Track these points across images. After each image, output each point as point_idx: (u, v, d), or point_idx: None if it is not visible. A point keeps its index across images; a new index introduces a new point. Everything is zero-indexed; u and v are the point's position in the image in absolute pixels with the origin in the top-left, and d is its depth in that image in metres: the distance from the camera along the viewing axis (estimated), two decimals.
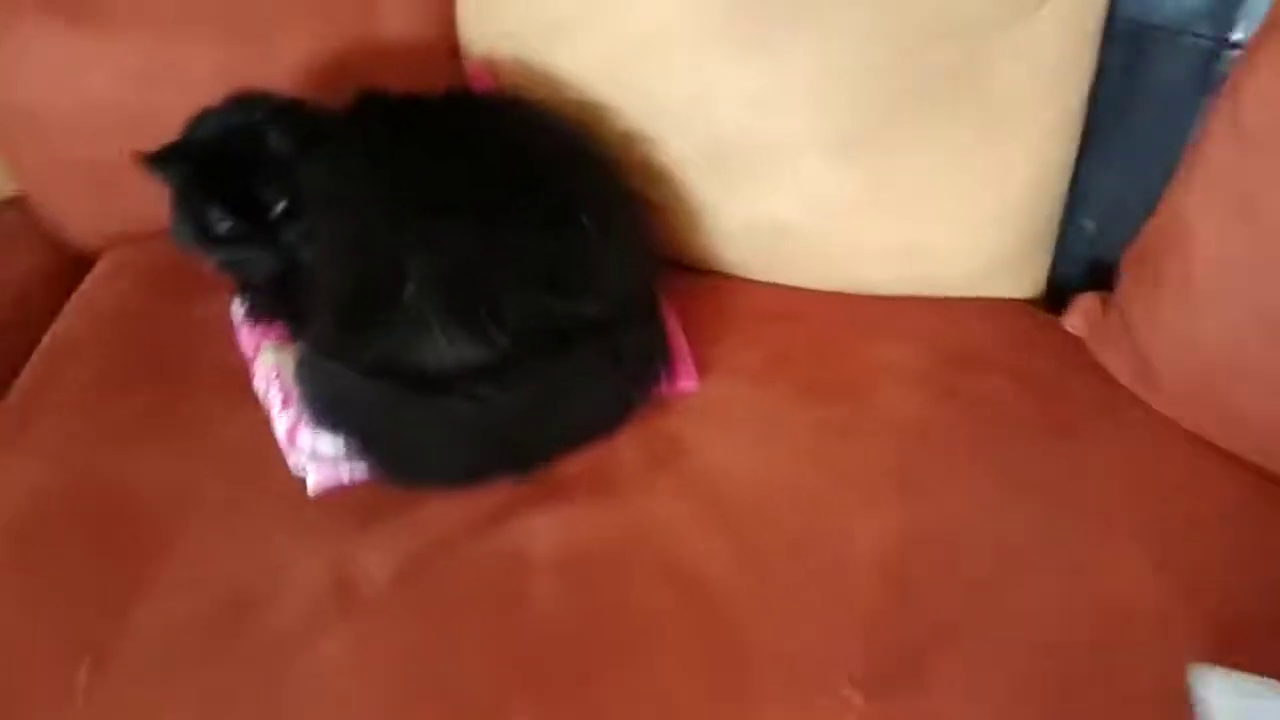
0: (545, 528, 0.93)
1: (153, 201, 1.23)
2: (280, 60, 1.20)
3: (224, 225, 1.02)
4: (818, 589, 0.86)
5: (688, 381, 1.05)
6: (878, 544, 0.89)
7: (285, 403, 1.02)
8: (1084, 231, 1.15)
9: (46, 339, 1.16)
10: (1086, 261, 1.17)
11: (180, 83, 1.17)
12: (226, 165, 1.01)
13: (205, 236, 1.03)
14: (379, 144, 1.03)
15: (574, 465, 0.97)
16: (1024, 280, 1.16)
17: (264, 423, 1.03)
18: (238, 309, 1.13)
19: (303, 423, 0.99)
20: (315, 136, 1.03)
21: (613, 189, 1.05)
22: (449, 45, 1.24)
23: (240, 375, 1.08)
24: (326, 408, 0.98)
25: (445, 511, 0.94)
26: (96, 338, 1.14)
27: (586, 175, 1.04)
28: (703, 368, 1.06)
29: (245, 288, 1.10)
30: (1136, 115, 1.10)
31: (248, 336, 1.10)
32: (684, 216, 1.13)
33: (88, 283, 1.24)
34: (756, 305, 1.14)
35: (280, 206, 1.01)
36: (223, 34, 1.19)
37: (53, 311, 1.21)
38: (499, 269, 0.98)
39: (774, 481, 0.96)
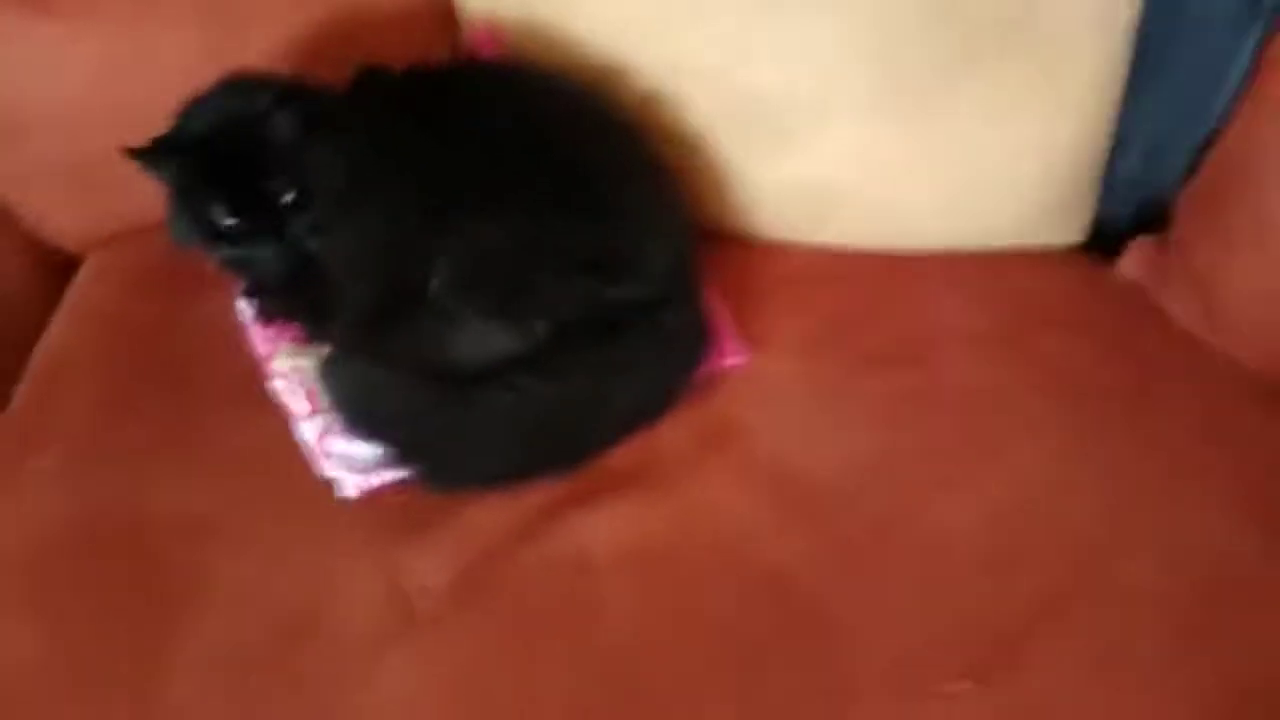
0: (603, 527, 0.86)
1: (138, 198, 1.14)
2: (264, 37, 1.10)
3: (229, 221, 0.94)
4: (909, 575, 0.81)
5: (735, 357, 0.99)
6: (965, 521, 0.84)
7: (312, 408, 0.95)
8: (1128, 172, 1.10)
9: (39, 352, 1.08)
10: (1132, 202, 1.12)
11: (160, 69, 1.08)
12: (226, 155, 0.93)
13: (209, 233, 0.95)
14: (390, 125, 0.96)
15: (623, 457, 0.91)
16: (1071, 226, 1.10)
17: (286, 430, 0.96)
18: (245, 309, 1.05)
19: (333, 428, 0.93)
20: (319, 119, 0.94)
21: (642, 158, 0.98)
22: (441, 9, 1.15)
23: (252, 380, 1.00)
24: (359, 411, 0.91)
25: (494, 515, 0.88)
26: (93, 349, 1.06)
27: (614, 145, 0.97)
28: (748, 341, 0.99)
29: (254, 286, 1.03)
30: (1178, 48, 1.04)
31: (260, 338, 1.02)
32: (712, 181, 1.06)
33: (75, 288, 1.15)
34: (796, 270, 1.07)
35: (288, 197, 0.93)
36: (202, 13, 1.10)
37: (40, 318, 1.13)
38: (533, 253, 0.91)
39: (843, 460, 0.90)
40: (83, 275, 1.17)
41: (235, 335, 1.05)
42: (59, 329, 1.10)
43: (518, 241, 0.91)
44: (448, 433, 0.91)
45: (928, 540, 0.83)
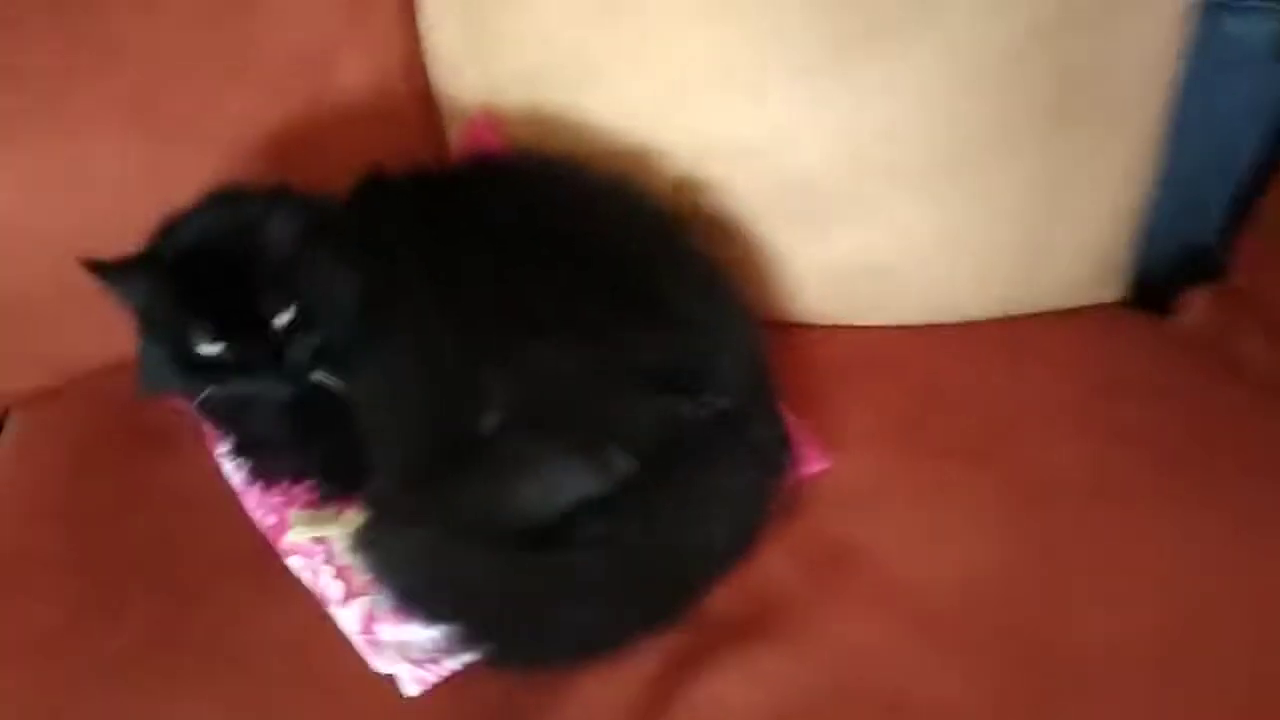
0: (735, 689, 0.73)
1: (70, 340, 0.98)
2: (219, 143, 0.94)
3: (213, 347, 0.77)
4: (1086, 700, 0.71)
5: (817, 463, 0.89)
6: (1128, 633, 0.74)
7: (347, 589, 0.79)
8: (1166, 223, 1.06)
9: None
10: (1170, 252, 1.08)
11: (98, 188, 0.91)
12: (210, 271, 0.77)
13: (189, 368, 0.78)
14: (408, 237, 0.81)
15: (728, 599, 0.80)
16: (1117, 282, 1.05)
17: (316, 617, 0.80)
18: (232, 469, 0.88)
19: (380, 611, 0.77)
20: (319, 230, 0.80)
21: (693, 253, 0.87)
22: (423, 100, 1.02)
23: (258, 560, 0.83)
24: (412, 587, 0.76)
25: (598, 696, 0.74)
26: (43, 544, 0.86)
27: (661, 241, 0.86)
28: (821, 442, 0.89)
29: (245, 439, 0.85)
30: (1212, 97, 1.00)
31: (259, 506, 0.86)
32: (753, 267, 0.97)
33: (2, 465, 0.95)
34: (847, 356, 0.99)
35: (285, 317, 0.77)
36: (140, 118, 0.93)
37: None
38: (599, 374, 0.78)
39: (968, 573, 0.80)
40: (6, 446, 0.97)
41: (224, 504, 0.87)
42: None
43: (580, 362, 0.78)
44: (523, 602, 0.76)
45: (1092, 657, 0.73)
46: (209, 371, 0.78)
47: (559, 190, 0.86)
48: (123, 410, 0.95)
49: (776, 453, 0.84)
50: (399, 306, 0.79)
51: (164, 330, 0.78)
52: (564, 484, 0.77)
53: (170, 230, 0.79)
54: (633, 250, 0.83)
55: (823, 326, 1.00)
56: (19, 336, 0.97)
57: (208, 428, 0.89)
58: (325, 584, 0.80)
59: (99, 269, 0.76)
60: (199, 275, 0.77)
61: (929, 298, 0.99)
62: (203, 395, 0.81)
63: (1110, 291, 1.05)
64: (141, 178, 0.92)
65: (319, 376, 0.80)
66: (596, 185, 0.87)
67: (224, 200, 0.80)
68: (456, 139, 1.00)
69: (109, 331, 0.96)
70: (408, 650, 0.76)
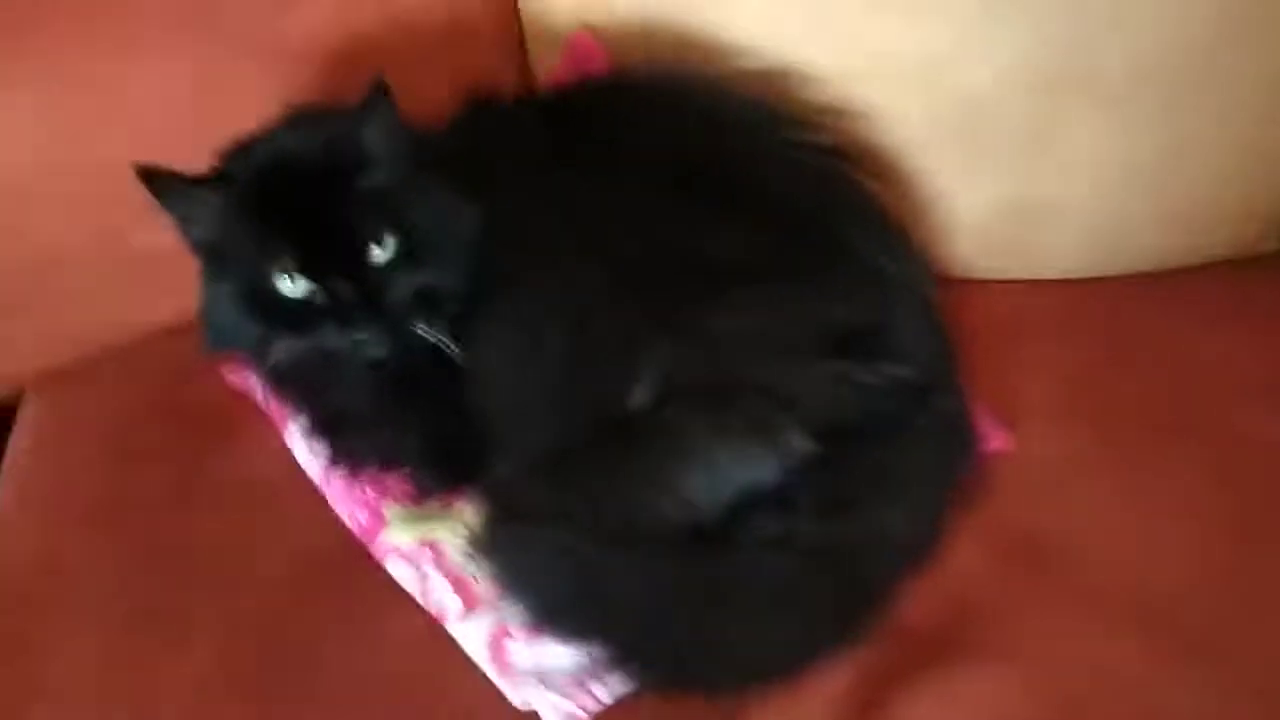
0: (938, 718, 0.62)
1: (97, 306, 0.84)
2: (278, 60, 0.79)
3: (299, 283, 0.63)
4: None
5: (996, 440, 0.76)
6: None
7: (465, 602, 0.65)
8: None
9: None
10: None
11: (138, 118, 0.77)
12: (295, 195, 0.63)
13: (264, 312, 0.65)
14: (536, 174, 0.67)
15: (922, 605, 0.67)
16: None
17: (428, 636, 0.66)
18: (308, 454, 0.73)
19: (511, 629, 0.63)
20: (424, 159, 0.65)
21: (864, 193, 0.73)
22: (496, 14, 0.87)
23: (347, 565, 0.70)
24: (552, 600, 0.63)
25: None
26: (79, 551, 0.71)
27: (832, 179, 0.72)
28: (995, 414, 0.77)
29: (323, 412, 0.71)
30: None
31: (346, 499, 0.71)
32: (904, 212, 0.83)
33: (16, 457, 0.80)
34: (1013, 313, 0.85)
35: (389, 249, 0.64)
36: (193, 36, 0.78)
37: None
38: (772, 339, 0.65)
39: (1199, 572, 0.68)
40: (23, 436, 0.81)
41: (300, 499, 0.74)
42: (12, 529, 0.75)
43: (750, 324, 0.65)
44: (685, 616, 0.63)
45: None
46: (289, 319, 0.64)
47: (707, 117, 0.72)
48: (164, 388, 0.82)
49: (961, 429, 0.71)
50: (528, 252, 0.65)
51: (236, 267, 0.65)
52: (733, 471, 0.64)
53: (242, 150, 0.66)
54: (803, 187, 0.69)
55: (980, 281, 0.87)
56: (36, 304, 0.82)
57: (275, 403, 0.75)
58: (439, 596, 0.66)
59: (157, 181, 0.62)
60: (281, 198, 0.63)
61: (1097, 247, 0.87)
62: (277, 353, 0.66)
63: (1273, 241, 0.92)
64: (190, 104, 0.78)
65: (425, 331, 0.66)
66: (747, 112, 0.73)
67: (307, 117, 0.66)
68: (550, 62, 0.85)
69: (144, 296, 0.85)
70: (548, 677, 0.62)
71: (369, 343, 0.64)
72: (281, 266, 0.63)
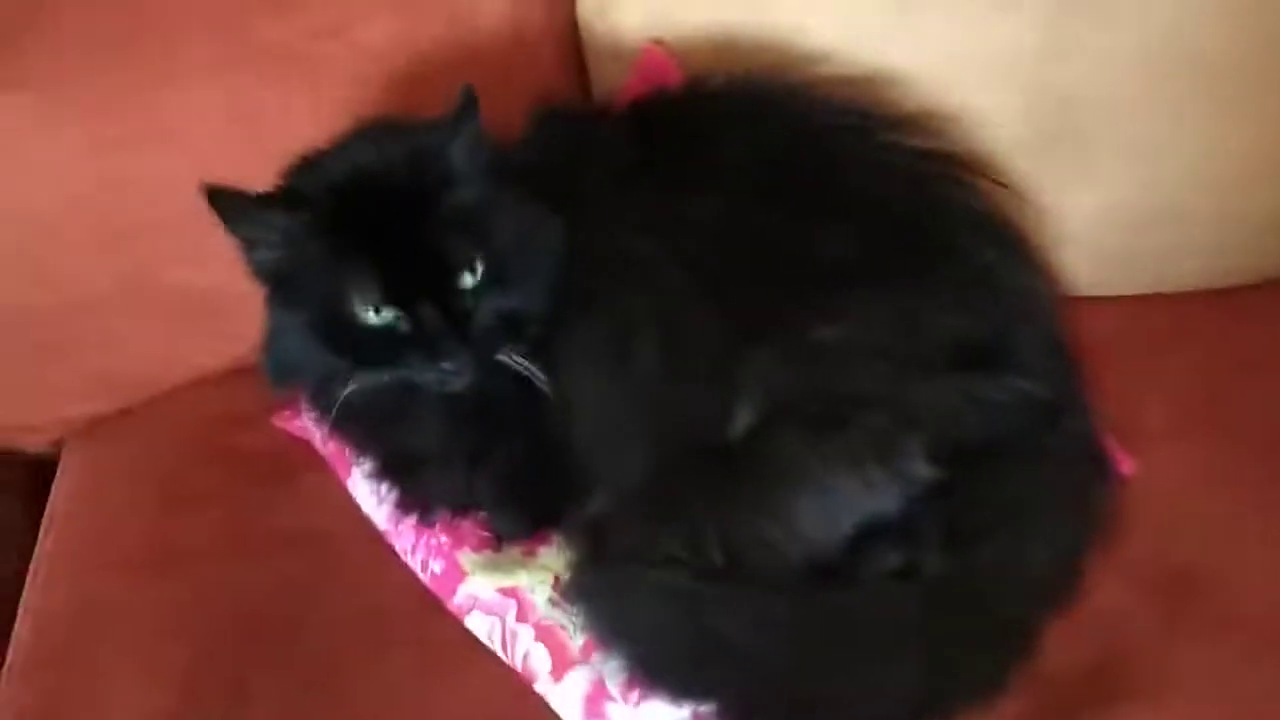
0: None
1: (142, 352, 0.79)
2: (329, 78, 0.74)
3: (381, 309, 0.57)
4: None
5: (1121, 464, 0.69)
6: None
7: (554, 659, 0.59)
8: None
9: (25, 621, 0.67)
10: None
11: (178, 146, 0.72)
12: (376, 215, 0.57)
13: (342, 343, 0.58)
14: (618, 181, 0.61)
15: (1066, 648, 0.61)
16: None
17: (512, 696, 0.59)
18: (373, 500, 0.67)
19: (611, 687, 0.56)
20: (507, 180, 0.60)
21: (971, 199, 0.67)
22: (563, 33, 0.83)
23: (419, 618, 0.64)
24: (655, 651, 0.56)
25: None
26: (130, 600, 0.66)
27: (935, 184, 0.66)
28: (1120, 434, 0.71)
29: (391, 453, 0.65)
30: None
31: (415, 545, 0.65)
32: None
33: (58, 501, 0.75)
34: (1120, 328, 0.79)
35: (475, 273, 0.58)
36: (227, 64, 0.73)
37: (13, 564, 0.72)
38: (890, 353, 0.58)
39: None
40: (66, 484, 0.76)
41: (365, 547, 0.68)
42: (55, 580, 0.69)
43: (859, 334, 0.58)
44: (805, 665, 0.56)
45: None
46: (369, 349, 0.58)
47: (795, 122, 0.66)
48: (213, 434, 0.77)
49: (1094, 452, 0.65)
50: (612, 268, 0.60)
51: (310, 293, 0.58)
52: (851, 500, 0.57)
53: (310, 166, 0.60)
54: (905, 191, 0.63)
55: (1086, 298, 0.81)
56: (72, 348, 0.77)
57: (335, 447, 0.69)
58: (525, 651, 0.59)
59: (223, 200, 0.56)
60: (361, 217, 0.57)
61: (1225, 252, 0.80)
62: (349, 388, 0.60)
63: None
64: (230, 134, 0.72)
65: (511, 359, 0.59)
66: (837, 116, 0.67)
67: (381, 130, 0.60)
68: (611, 78, 0.80)
69: (185, 339, 0.80)
70: None
71: (454, 373, 0.58)
72: (363, 292, 0.57)
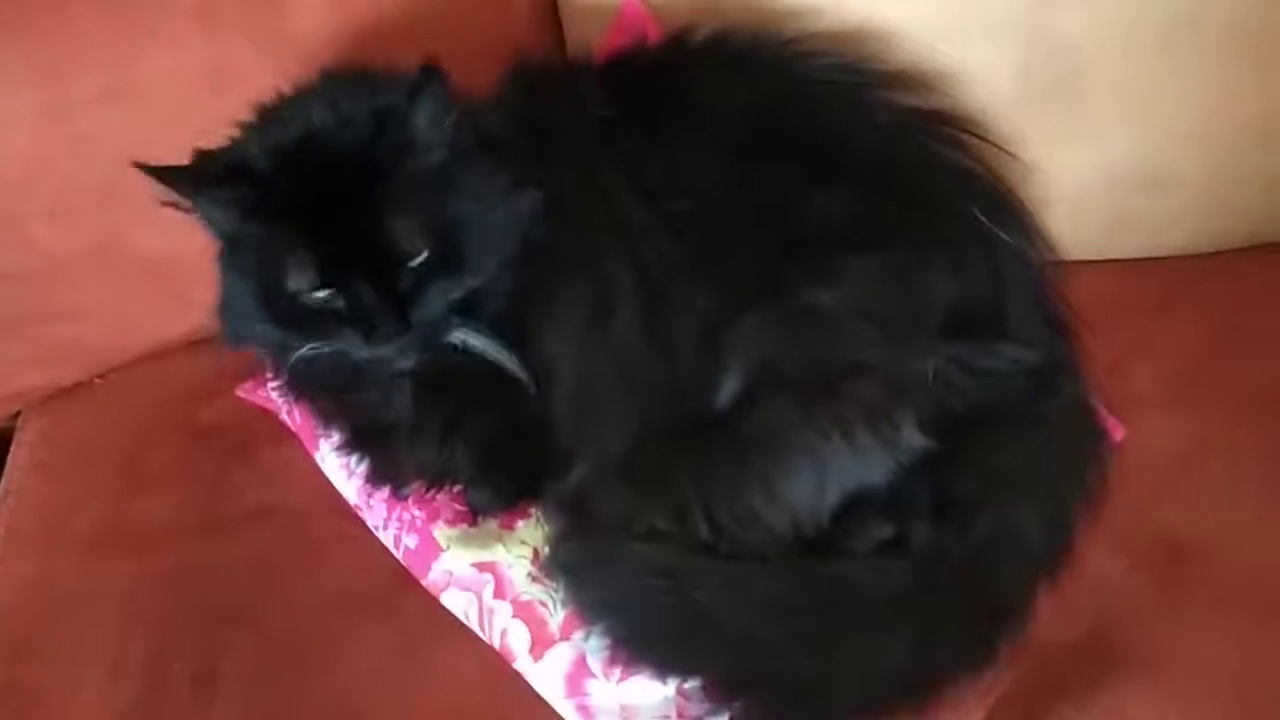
0: None
1: (102, 321, 0.77)
2: (292, 30, 0.71)
3: (315, 290, 0.55)
4: None
5: (1113, 430, 0.68)
6: None
7: (533, 637, 0.57)
8: None
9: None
10: None
11: (145, 106, 0.68)
12: (321, 185, 0.55)
13: (282, 315, 0.57)
14: (599, 140, 0.59)
15: (1057, 617, 0.59)
16: None
17: (492, 676, 0.57)
18: (342, 474, 0.65)
19: (593, 664, 0.55)
20: (474, 145, 0.57)
21: (966, 155, 0.65)
22: None
23: (393, 596, 0.62)
24: (638, 626, 0.55)
25: None
26: (89, 583, 0.63)
27: (925, 142, 0.64)
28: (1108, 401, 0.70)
29: (359, 425, 0.62)
30: None
31: (387, 520, 0.63)
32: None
33: (12, 478, 0.71)
34: (1110, 292, 0.77)
35: (426, 248, 0.55)
36: (205, 19, 0.70)
37: None
38: (881, 320, 0.56)
39: None
40: (20, 460, 0.73)
41: (335, 523, 0.65)
42: (8, 562, 0.66)
43: (849, 301, 0.56)
44: (792, 638, 0.54)
45: None
46: (306, 324, 0.56)
47: (785, 78, 0.63)
48: (176, 407, 0.74)
49: (1088, 419, 0.63)
50: (591, 230, 0.57)
51: (251, 263, 0.56)
52: (841, 471, 0.55)
53: (265, 123, 0.57)
54: (900, 151, 0.61)
55: (1075, 261, 0.79)
56: (34, 316, 0.74)
57: (303, 419, 0.66)
58: (502, 628, 0.57)
59: (160, 173, 0.53)
60: (303, 188, 0.54)
61: (1214, 218, 0.79)
62: (298, 357, 0.58)
63: None
64: (201, 96, 0.69)
65: (464, 339, 0.58)
66: (829, 72, 0.65)
67: (344, 87, 0.57)
68: (585, 34, 0.77)
69: (152, 308, 0.76)
70: (634, 715, 0.54)
71: (394, 356, 0.57)
72: (300, 271, 0.54)
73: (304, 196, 0.54)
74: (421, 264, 0.55)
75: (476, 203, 0.56)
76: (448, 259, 0.56)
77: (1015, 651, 0.57)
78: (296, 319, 0.56)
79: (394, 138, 0.54)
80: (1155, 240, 0.81)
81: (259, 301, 0.57)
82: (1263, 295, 0.78)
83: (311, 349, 0.58)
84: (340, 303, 0.55)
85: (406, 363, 0.58)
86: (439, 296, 0.56)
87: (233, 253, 0.57)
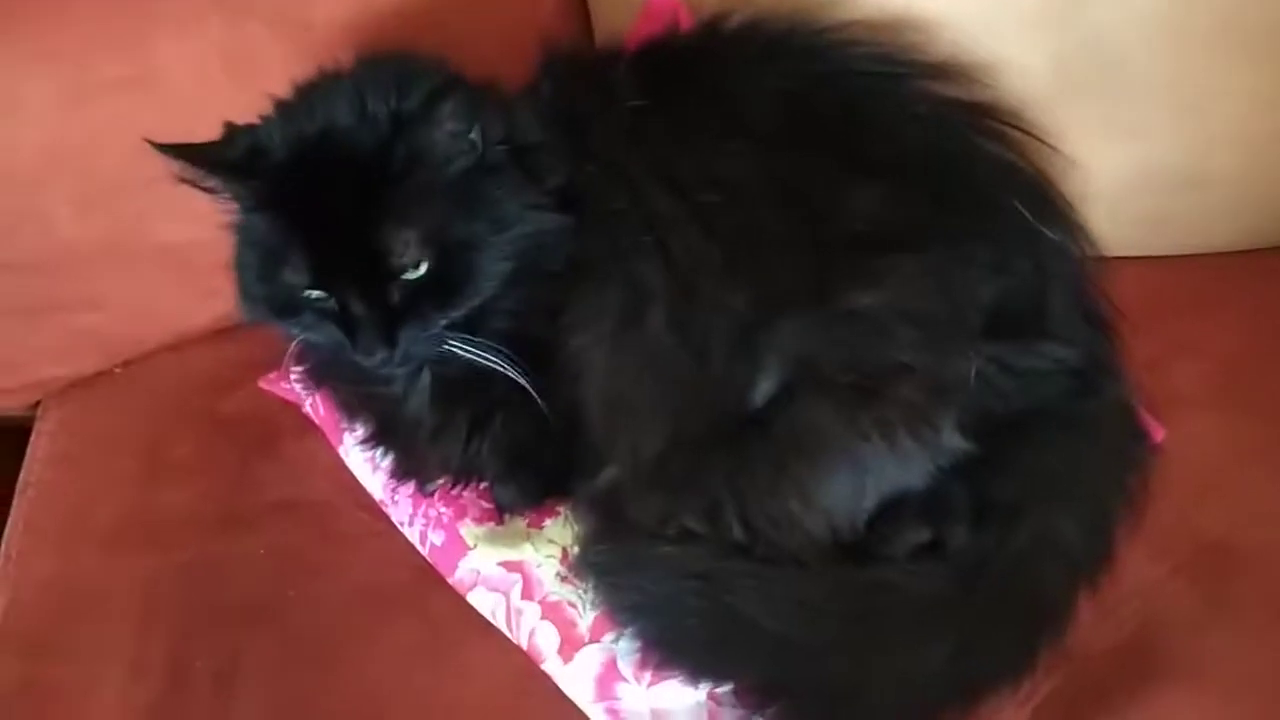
0: None
1: (124, 310, 0.76)
2: (313, 16, 0.70)
3: (308, 290, 0.55)
4: None
5: (1154, 432, 0.66)
6: None
7: (569, 635, 0.55)
8: None
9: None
10: None
11: (163, 93, 0.68)
12: (328, 185, 0.54)
13: (281, 304, 0.56)
14: (634, 134, 0.57)
15: (1097, 624, 0.58)
16: None
17: (519, 676, 0.56)
18: (366, 468, 0.64)
19: (623, 667, 0.53)
20: (506, 150, 0.56)
21: (1008, 148, 0.63)
22: None
23: (417, 595, 0.61)
24: (670, 629, 0.54)
25: None
26: (109, 578, 0.62)
27: (967, 133, 0.62)
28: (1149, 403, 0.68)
29: (383, 420, 0.61)
30: None
31: (413, 516, 0.62)
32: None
33: (32, 469, 0.70)
34: (1149, 292, 0.74)
35: (424, 266, 0.54)
36: (220, 12, 0.68)
37: None
38: (922, 320, 0.55)
39: None
40: (40, 451, 0.71)
41: (359, 519, 0.64)
42: (28, 556, 0.65)
43: (890, 300, 0.54)
44: (829, 643, 0.53)
45: None
46: (304, 318, 0.56)
47: (823, 68, 0.61)
48: (199, 398, 0.73)
49: (1130, 421, 0.62)
50: (624, 224, 0.55)
51: (256, 251, 0.56)
52: (879, 474, 0.54)
53: (286, 115, 0.56)
54: (942, 143, 0.59)
55: (1112, 258, 0.77)
56: (54, 305, 0.73)
57: (326, 412, 0.65)
58: (531, 628, 0.56)
59: (180, 154, 0.53)
60: (307, 194, 0.53)
61: (1252, 217, 0.77)
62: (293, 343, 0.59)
63: None
64: (221, 73, 0.68)
65: (462, 351, 0.56)
66: (869, 63, 0.63)
67: (377, 74, 0.55)
68: (614, 25, 0.76)
69: (175, 298, 0.76)
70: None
71: (380, 366, 0.56)
72: (296, 272, 0.54)
73: (306, 202, 0.54)
74: (419, 279, 0.54)
75: (491, 223, 0.55)
76: (449, 277, 0.55)
77: (1055, 658, 0.55)
78: (291, 309, 0.56)
79: (409, 145, 0.53)
80: (1194, 238, 0.80)
81: (259, 279, 0.56)
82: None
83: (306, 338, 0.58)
84: (333, 305, 0.55)
85: (390, 373, 0.57)
86: (433, 315, 0.55)
87: (240, 233, 0.57)
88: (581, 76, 0.61)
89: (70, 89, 0.68)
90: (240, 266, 0.57)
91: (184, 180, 0.56)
